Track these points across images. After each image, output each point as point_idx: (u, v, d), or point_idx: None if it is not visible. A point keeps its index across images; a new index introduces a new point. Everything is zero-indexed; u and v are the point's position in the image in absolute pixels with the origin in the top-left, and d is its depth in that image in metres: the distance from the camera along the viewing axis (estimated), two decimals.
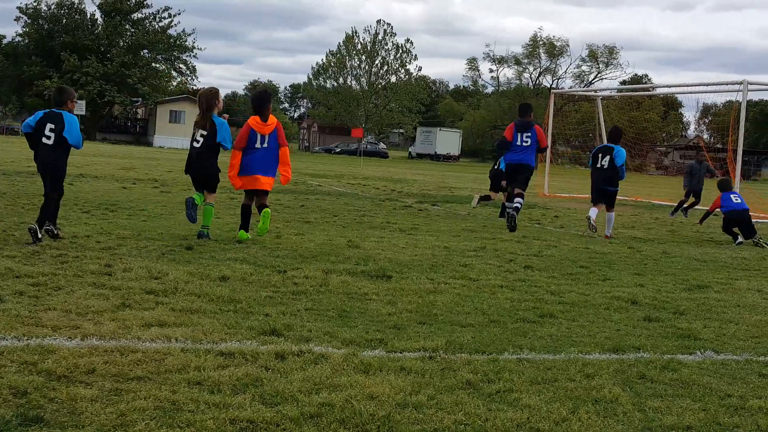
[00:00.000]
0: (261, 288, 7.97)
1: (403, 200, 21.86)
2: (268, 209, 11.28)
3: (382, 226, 14.55)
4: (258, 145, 11.23)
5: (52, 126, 10.08)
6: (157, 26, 74.20)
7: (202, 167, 11.28)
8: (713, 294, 9.21)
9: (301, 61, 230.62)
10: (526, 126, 15.63)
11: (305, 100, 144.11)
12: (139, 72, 71.14)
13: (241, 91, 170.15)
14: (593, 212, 14.89)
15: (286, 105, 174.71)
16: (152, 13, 74.53)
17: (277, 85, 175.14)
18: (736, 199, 15.81)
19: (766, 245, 14.93)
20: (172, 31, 75.00)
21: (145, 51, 74.01)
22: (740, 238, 15.21)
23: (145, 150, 60.74)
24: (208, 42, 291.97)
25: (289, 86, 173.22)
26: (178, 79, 79.89)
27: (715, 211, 16.36)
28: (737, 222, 15.51)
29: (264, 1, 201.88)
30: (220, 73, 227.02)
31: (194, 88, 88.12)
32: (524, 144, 15.53)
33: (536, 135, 15.60)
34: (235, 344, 5.81)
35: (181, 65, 77.34)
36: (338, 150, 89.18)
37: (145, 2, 74.19)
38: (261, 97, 11.77)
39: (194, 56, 77.29)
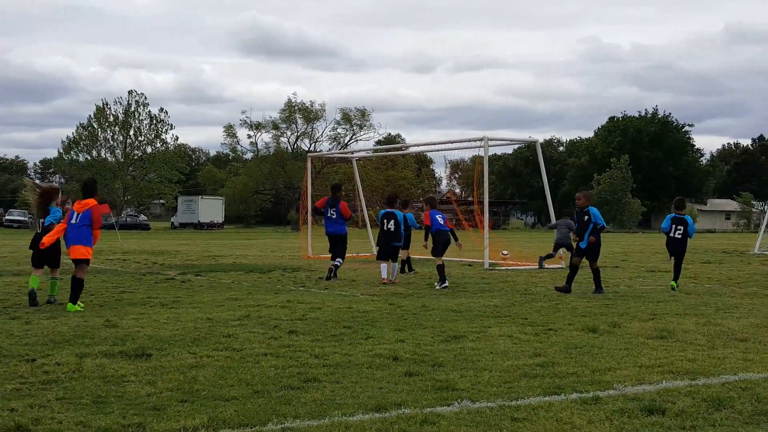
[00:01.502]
0: (6, 380, 7.46)
1: (165, 273, 21.32)
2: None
3: (142, 302, 14.10)
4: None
5: None
6: None
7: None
8: (468, 343, 9.63)
9: (49, 135, 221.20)
10: (332, 202, 19.56)
11: (57, 176, 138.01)
12: None
13: None
14: (383, 267, 18.26)
15: (37, 182, 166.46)
16: None
17: (26, 161, 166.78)
18: (441, 220, 17.90)
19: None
20: None
21: None
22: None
23: None
24: None
25: (39, 162, 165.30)
26: None
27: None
28: (446, 243, 17.71)
29: (5, 75, 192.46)
30: None
31: None
32: (332, 216, 19.41)
33: (340, 209, 19.27)
34: None
35: None
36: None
37: None
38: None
39: None
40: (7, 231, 73.14)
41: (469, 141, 26.01)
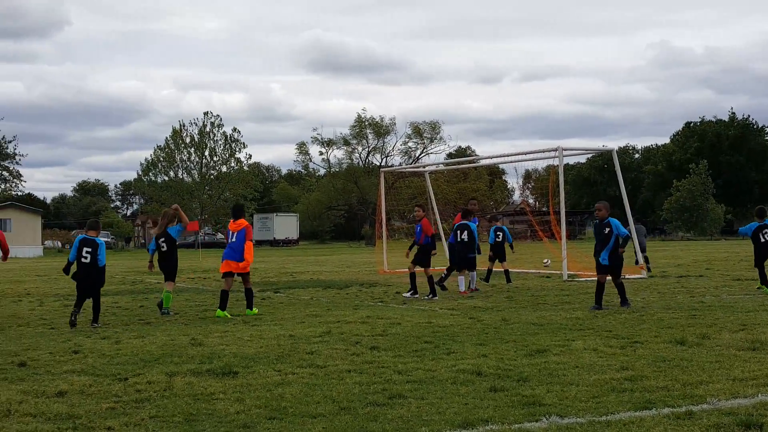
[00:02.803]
0: (101, 399, 7.65)
1: (241, 290, 21.58)
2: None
3: (225, 320, 14.32)
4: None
5: None
6: None
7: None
8: (553, 357, 9.53)
9: (126, 158, 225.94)
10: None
11: (137, 197, 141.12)
12: None
13: (69, 193, 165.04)
14: (461, 280, 18.85)
15: (118, 203, 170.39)
16: None
17: (107, 184, 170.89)
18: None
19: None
20: None
21: None
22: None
23: None
24: (26, 146, 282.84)
25: (120, 184, 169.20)
26: (1, 186, 76.56)
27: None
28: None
29: (81, 101, 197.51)
30: (42, 176, 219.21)
31: (19, 194, 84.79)
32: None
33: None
34: None
35: (3, 172, 74.27)
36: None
37: None
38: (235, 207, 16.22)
39: (17, 162, 74.48)
40: None
41: (543, 151, 25.83)
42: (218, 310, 15.09)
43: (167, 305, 15.63)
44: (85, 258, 13.79)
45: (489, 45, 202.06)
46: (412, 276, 18.58)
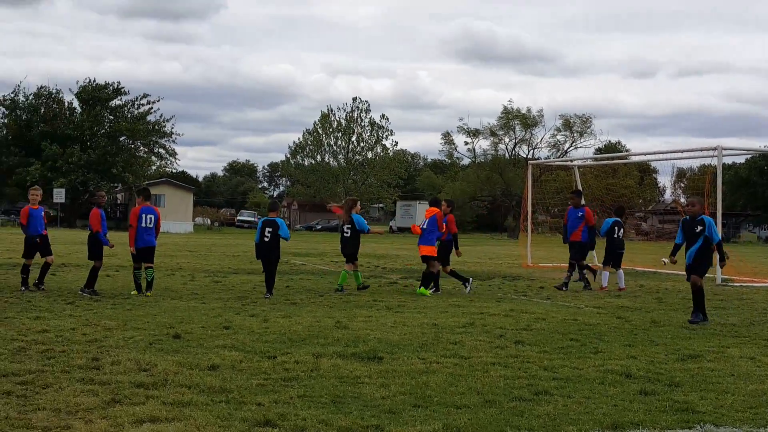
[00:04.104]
0: (252, 376, 7.87)
1: (387, 277, 21.82)
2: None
3: (368, 305, 14.48)
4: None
5: None
6: (135, 113, 74.45)
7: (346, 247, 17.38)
8: (706, 363, 9.18)
9: (273, 140, 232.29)
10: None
11: (284, 179, 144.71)
12: (121, 159, 71.19)
13: (220, 173, 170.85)
14: (605, 276, 19.17)
15: (265, 184, 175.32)
16: (130, 100, 74.91)
17: (255, 165, 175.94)
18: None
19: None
20: (150, 118, 75.28)
21: (124, 137, 74.08)
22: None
23: (126, 235, 60.38)
24: (180, 125, 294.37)
25: (267, 165, 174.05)
26: (158, 163, 79.74)
27: None
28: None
29: (234, 83, 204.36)
30: (195, 155, 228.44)
31: (174, 171, 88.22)
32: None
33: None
34: None
35: (160, 150, 77.36)
36: (319, 227, 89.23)
37: (122, 89, 74.62)
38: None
39: (173, 141, 77.42)
40: (239, 231, 77.50)
41: (701, 150, 24.88)
42: (421, 287, 16.92)
43: (341, 282, 17.02)
44: (267, 237, 15.51)
45: (644, 38, 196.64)
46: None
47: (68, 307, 13.06)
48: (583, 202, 19.56)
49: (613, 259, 19.39)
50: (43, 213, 16.00)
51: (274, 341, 9.96)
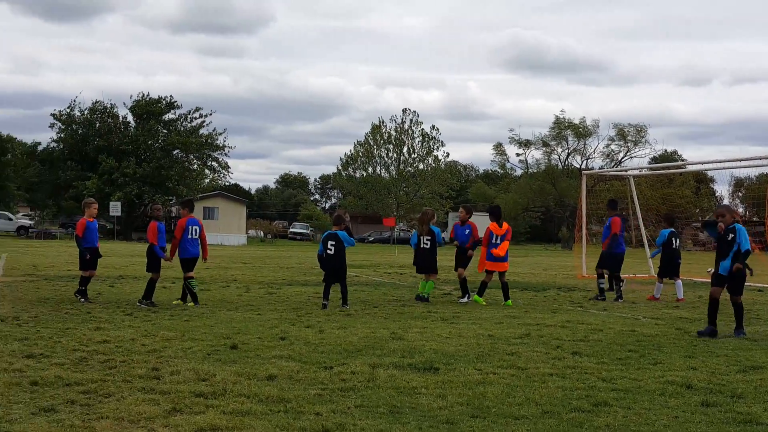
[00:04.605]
0: (309, 386, 7.91)
1: (441, 288, 21.77)
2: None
3: (423, 316, 14.47)
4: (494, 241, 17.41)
5: None
6: (188, 126, 75.44)
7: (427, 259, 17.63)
8: None
9: (323, 152, 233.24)
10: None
11: (336, 191, 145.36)
12: (175, 173, 72.15)
13: (272, 185, 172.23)
14: (659, 286, 19.27)
15: (317, 196, 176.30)
16: (183, 114, 75.94)
17: (307, 177, 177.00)
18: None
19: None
20: (203, 131, 76.19)
21: (177, 151, 75.08)
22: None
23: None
24: (231, 138, 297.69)
25: (319, 177, 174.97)
26: (210, 176, 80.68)
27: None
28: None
29: (283, 95, 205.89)
30: (246, 167, 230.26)
31: (227, 183, 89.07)
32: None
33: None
34: None
35: (213, 163, 78.23)
36: (371, 239, 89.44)
37: (175, 103, 75.67)
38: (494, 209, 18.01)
39: (226, 154, 78.24)
40: (292, 243, 78.03)
41: (759, 159, 24.46)
42: (476, 295, 17.31)
43: (426, 291, 17.54)
44: (330, 250, 15.49)
45: (697, 45, 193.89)
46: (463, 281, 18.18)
47: (127, 318, 13.26)
48: (616, 211, 19.12)
49: (671, 269, 19.20)
50: (97, 226, 16.31)
51: (330, 352, 10.00)
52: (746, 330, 12.75)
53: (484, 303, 16.98)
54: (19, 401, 6.98)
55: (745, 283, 12.99)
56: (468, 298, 17.74)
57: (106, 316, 13.42)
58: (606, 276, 18.95)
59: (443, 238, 18.14)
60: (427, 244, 17.62)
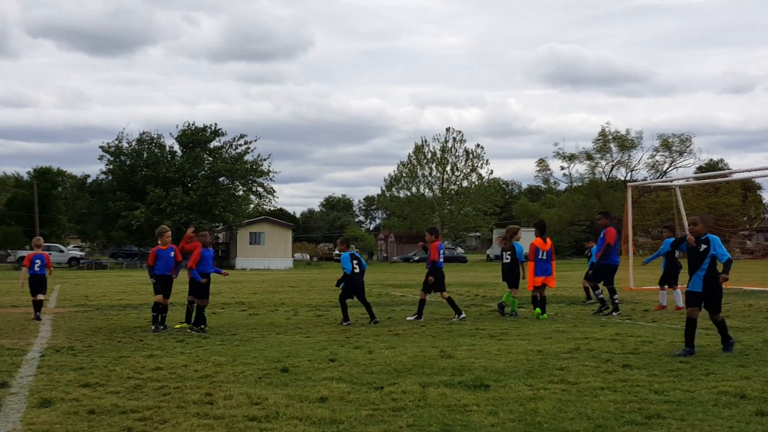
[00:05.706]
0: (360, 407, 7.97)
1: (488, 305, 21.75)
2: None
3: (471, 333, 14.47)
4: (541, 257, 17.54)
5: None
6: (233, 153, 76.24)
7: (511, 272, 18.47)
8: None
9: (367, 173, 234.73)
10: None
11: (380, 212, 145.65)
12: (221, 199, 72.84)
13: (316, 208, 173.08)
14: (678, 295, 18.74)
15: (362, 218, 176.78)
16: (228, 141, 76.75)
17: (351, 199, 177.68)
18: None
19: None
20: (248, 157, 76.91)
21: (223, 177, 75.85)
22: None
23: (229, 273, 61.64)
24: (274, 162, 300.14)
25: (363, 199, 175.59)
26: (256, 202, 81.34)
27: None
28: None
29: (324, 119, 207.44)
30: (289, 191, 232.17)
31: (272, 208, 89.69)
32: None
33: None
34: None
35: (258, 188, 78.85)
36: (416, 258, 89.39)
37: (220, 131, 76.53)
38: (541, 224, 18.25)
39: (271, 179, 78.80)
40: (338, 265, 78.20)
41: None
42: (537, 309, 17.39)
43: (514, 308, 18.18)
44: (356, 268, 16.71)
45: (737, 52, 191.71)
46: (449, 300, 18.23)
47: (179, 344, 13.43)
48: (610, 222, 18.76)
49: (671, 278, 19.53)
50: (173, 254, 16.33)
51: (380, 372, 10.06)
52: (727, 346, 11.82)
53: (546, 316, 17.27)
54: (77, 430, 7.13)
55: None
56: (459, 316, 17.40)
57: (158, 343, 13.61)
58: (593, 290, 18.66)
59: (525, 254, 18.52)
60: (507, 259, 18.44)
